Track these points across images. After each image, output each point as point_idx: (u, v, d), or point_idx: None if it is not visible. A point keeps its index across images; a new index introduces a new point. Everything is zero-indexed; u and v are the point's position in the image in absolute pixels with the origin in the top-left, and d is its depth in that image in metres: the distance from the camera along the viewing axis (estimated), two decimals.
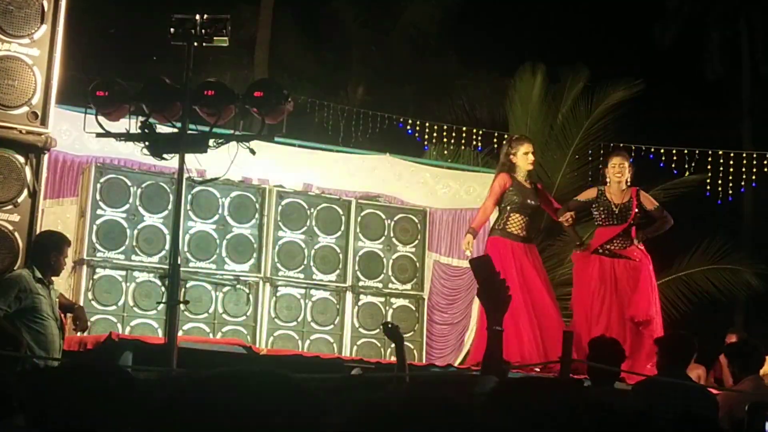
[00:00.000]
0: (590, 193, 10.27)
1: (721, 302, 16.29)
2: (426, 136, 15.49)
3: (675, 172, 15.34)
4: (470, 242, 9.82)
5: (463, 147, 15.36)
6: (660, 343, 7.30)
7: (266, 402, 2.01)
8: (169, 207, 10.54)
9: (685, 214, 16.48)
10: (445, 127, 15.31)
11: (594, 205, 10.17)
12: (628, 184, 10.08)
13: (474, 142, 15.34)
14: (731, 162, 15.17)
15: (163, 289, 7.48)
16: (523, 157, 10.08)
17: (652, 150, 15.16)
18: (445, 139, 15.36)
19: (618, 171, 10.06)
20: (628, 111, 15.40)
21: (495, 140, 15.54)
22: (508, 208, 9.99)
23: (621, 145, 14.51)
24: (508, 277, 8.23)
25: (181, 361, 6.87)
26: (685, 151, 15.21)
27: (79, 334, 8.32)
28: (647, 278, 9.95)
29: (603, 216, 10.14)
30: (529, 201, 10.05)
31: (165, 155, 7.23)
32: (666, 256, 15.52)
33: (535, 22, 19.94)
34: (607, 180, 10.13)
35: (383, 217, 11.78)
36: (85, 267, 10.32)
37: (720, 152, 15.20)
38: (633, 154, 14.97)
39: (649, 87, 15.49)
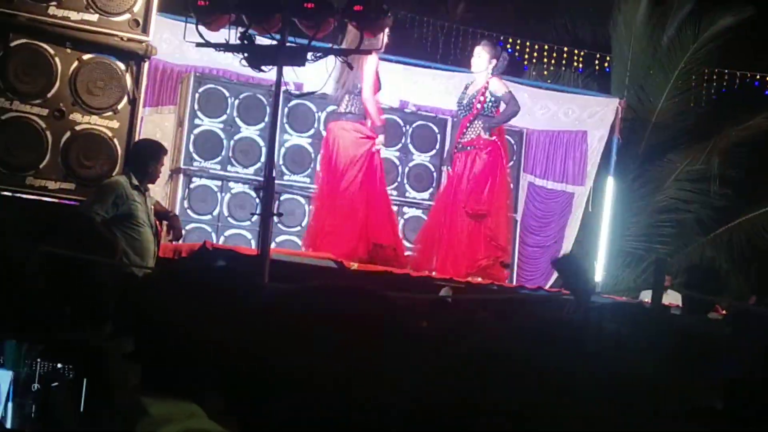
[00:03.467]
0: None
1: None
2: (526, 56, 15.26)
3: None
4: None
5: (563, 68, 15.11)
6: (749, 275, 7.16)
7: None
8: (266, 119, 10.59)
9: None
10: (546, 46, 15.05)
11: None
12: (490, 74, 9.69)
13: (575, 63, 15.08)
14: None
15: (257, 200, 7.50)
16: None
17: (758, 77, 14.75)
18: (545, 59, 15.11)
19: (473, 60, 9.80)
20: (734, 36, 14.96)
21: (597, 62, 15.26)
22: None
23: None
24: None
25: (273, 272, 6.92)
26: None
27: (173, 242, 8.43)
28: (486, 170, 9.61)
29: (457, 109, 9.98)
30: None
31: (263, 67, 7.22)
32: (766, 187, 15.20)
33: None
34: None
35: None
36: (181, 176, 10.45)
37: None
38: (738, 81, 14.62)
39: (759, 12, 15.00)
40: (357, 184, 9.10)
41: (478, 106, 9.62)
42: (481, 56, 9.73)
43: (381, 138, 9.31)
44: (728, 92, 14.76)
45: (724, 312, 8.00)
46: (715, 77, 14.76)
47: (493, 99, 9.64)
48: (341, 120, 9.26)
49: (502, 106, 9.70)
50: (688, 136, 15.38)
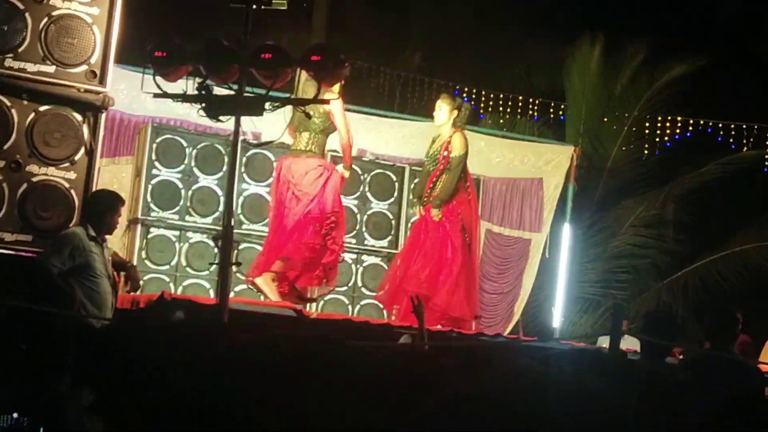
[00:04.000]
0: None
1: None
2: (482, 104, 15.40)
3: (733, 147, 15.14)
4: None
5: (519, 116, 15.25)
6: (706, 319, 7.22)
7: None
8: (224, 169, 10.61)
9: (742, 189, 16.33)
10: (501, 95, 15.20)
11: None
12: (453, 127, 9.78)
13: (530, 112, 15.22)
14: None
15: (216, 250, 7.49)
16: None
17: (710, 124, 14.97)
18: (501, 108, 15.25)
19: (435, 113, 9.89)
20: (689, 85, 15.19)
21: (552, 110, 15.42)
22: None
23: (668, 117, 14.39)
24: None
25: (232, 322, 6.89)
26: (744, 126, 14.99)
27: (131, 292, 8.38)
28: (438, 244, 9.71)
29: (425, 160, 10.06)
30: None
31: (221, 117, 7.24)
32: (721, 231, 15.39)
33: None
34: None
35: None
36: (139, 226, 10.41)
37: None
38: (691, 128, 14.81)
39: (711, 61, 15.25)
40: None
41: (443, 161, 9.70)
42: (442, 109, 9.81)
43: (347, 173, 9.47)
44: (682, 139, 14.96)
45: (681, 356, 8.05)
46: (668, 124, 14.95)
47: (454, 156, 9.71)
48: (300, 156, 9.28)
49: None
50: (643, 182, 15.55)
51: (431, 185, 9.79)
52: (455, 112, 9.76)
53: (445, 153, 9.69)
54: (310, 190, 9.12)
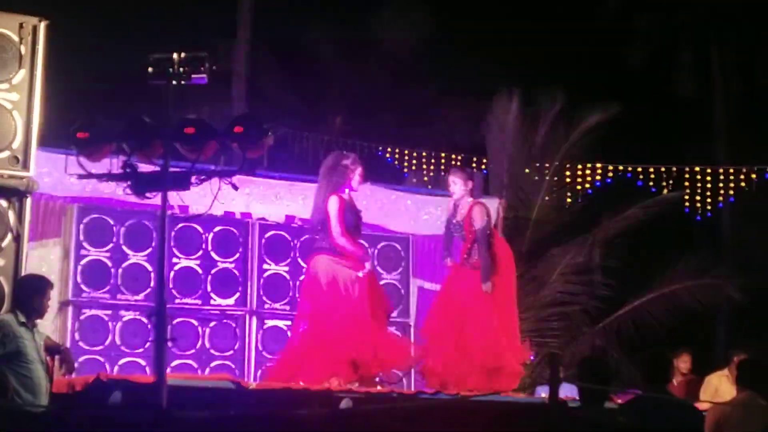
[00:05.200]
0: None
1: (703, 317, 16.39)
2: (406, 164, 15.57)
3: (653, 189, 15.45)
4: None
5: (443, 172, 15.42)
6: (640, 362, 7.34)
7: None
8: (153, 244, 10.57)
9: (665, 231, 16.64)
10: (424, 153, 15.39)
11: None
12: (470, 198, 10.08)
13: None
14: (708, 178, 15.33)
15: (149, 326, 7.46)
16: None
17: (630, 169, 15.27)
18: (424, 166, 15.42)
19: (450, 188, 10.16)
20: (605, 132, 15.50)
21: (474, 164, 15.62)
22: None
23: (592, 164, 14.66)
24: None
25: (171, 398, 6.85)
26: (662, 169, 15.32)
27: (66, 376, 8.30)
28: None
29: (449, 229, 10.33)
30: None
31: (147, 194, 7.24)
32: (648, 273, 15.63)
33: (509, 47, 20.06)
34: None
35: (366, 245, 11.80)
36: (70, 308, 10.32)
37: (697, 169, 15.33)
38: (611, 173, 15.11)
39: (625, 107, 15.59)
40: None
41: (470, 234, 9.94)
42: (456, 183, 10.04)
43: (367, 265, 9.55)
44: (602, 185, 15.23)
45: (619, 401, 8.14)
46: (588, 171, 15.22)
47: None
48: (321, 254, 9.41)
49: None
50: (569, 230, 15.75)
51: (467, 253, 10.00)
52: (470, 183, 10.04)
53: (470, 228, 9.93)
54: None
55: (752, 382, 7.19)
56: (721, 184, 15.43)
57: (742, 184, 15.34)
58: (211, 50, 7.93)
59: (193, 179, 7.18)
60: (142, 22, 18.22)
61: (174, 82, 7.30)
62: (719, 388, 11.29)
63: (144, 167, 7.47)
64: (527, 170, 15.68)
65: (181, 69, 7.29)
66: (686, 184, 15.30)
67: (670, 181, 15.29)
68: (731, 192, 15.69)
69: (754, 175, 15.26)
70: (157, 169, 7.22)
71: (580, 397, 7.13)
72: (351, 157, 9.72)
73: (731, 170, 15.55)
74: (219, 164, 8.21)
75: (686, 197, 15.39)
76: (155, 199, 7.33)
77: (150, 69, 7.31)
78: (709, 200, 15.39)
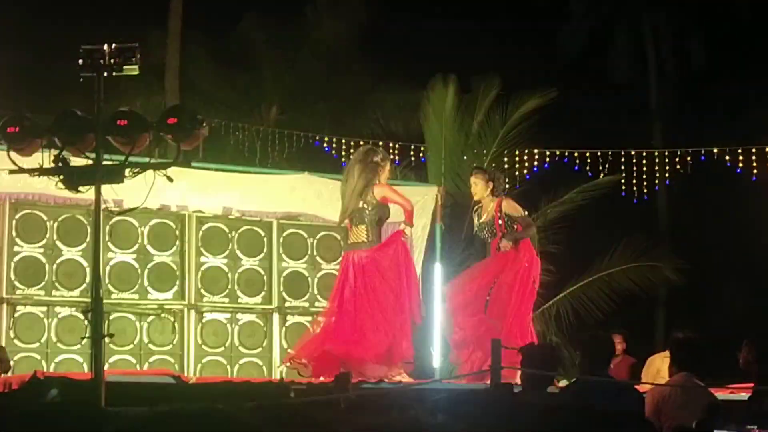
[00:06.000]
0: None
1: (642, 299, 16.56)
2: (343, 152, 15.50)
3: (590, 174, 15.55)
4: None
5: None
6: (580, 344, 7.34)
7: None
8: (88, 239, 10.43)
9: (603, 215, 16.76)
10: (361, 142, 15.32)
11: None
12: (494, 196, 10.10)
13: (391, 156, 15.37)
14: (644, 162, 15.45)
15: (86, 323, 7.34)
16: None
17: (566, 154, 15.35)
18: None
19: (472, 189, 10.23)
20: (542, 117, 15.57)
21: (412, 153, 15.60)
22: None
23: (531, 151, 14.71)
24: None
25: (110, 394, 6.76)
26: (599, 154, 15.42)
27: (2, 375, 8.15)
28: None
29: (478, 233, 10.43)
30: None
31: (81, 188, 7.12)
32: (586, 257, 15.74)
33: (445, 33, 20.09)
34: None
35: (305, 236, 11.76)
36: (4, 306, 10.17)
37: (633, 152, 15.45)
38: (548, 159, 15.19)
39: (561, 92, 15.67)
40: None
41: (501, 228, 9.93)
42: (477, 184, 10.08)
43: (408, 229, 9.67)
44: (540, 171, 15.30)
45: (560, 385, 8.17)
46: (525, 157, 15.27)
47: (509, 219, 9.93)
48: (359, 250, 9.28)
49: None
50: None
51: (497, 248, 9.99)
52: (491, 183, 10.03)
53: (500, 222, 9.93)
54: None
55: (688, 362, 7.23)
56: (657, 168, 15.56)
57: (678, 167, 15.48)
58: (142, 40, 7.83)
59: (127, 172, 7.08)
60: (71, 10, 18.00)
61: (105, 74, 7.19)
62: (661, 368, 11.37)
63: (76, 161, 7.35)
64: (465, 157, 15.71)
65: (112, 60, 7.17)
66: (623, 168, 15.41)
67: (607, 166, 15.38)
68: (667, 175, 15.84)
69: (689, 158, 15.40)
70: (90, 162, 7.11)
71: (522, 381, 7.15)
72: (381, 153, 9.64)
73: (666, 153, 15.69)
74: (153, 157, 8.10)
75: (623, 181, 15.50)
76: (89, 193, 7.21)
77: (80, 61, 7.19)
78: (645, 183, 15.52)
